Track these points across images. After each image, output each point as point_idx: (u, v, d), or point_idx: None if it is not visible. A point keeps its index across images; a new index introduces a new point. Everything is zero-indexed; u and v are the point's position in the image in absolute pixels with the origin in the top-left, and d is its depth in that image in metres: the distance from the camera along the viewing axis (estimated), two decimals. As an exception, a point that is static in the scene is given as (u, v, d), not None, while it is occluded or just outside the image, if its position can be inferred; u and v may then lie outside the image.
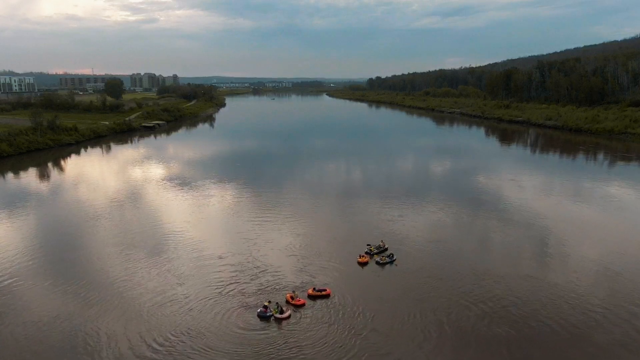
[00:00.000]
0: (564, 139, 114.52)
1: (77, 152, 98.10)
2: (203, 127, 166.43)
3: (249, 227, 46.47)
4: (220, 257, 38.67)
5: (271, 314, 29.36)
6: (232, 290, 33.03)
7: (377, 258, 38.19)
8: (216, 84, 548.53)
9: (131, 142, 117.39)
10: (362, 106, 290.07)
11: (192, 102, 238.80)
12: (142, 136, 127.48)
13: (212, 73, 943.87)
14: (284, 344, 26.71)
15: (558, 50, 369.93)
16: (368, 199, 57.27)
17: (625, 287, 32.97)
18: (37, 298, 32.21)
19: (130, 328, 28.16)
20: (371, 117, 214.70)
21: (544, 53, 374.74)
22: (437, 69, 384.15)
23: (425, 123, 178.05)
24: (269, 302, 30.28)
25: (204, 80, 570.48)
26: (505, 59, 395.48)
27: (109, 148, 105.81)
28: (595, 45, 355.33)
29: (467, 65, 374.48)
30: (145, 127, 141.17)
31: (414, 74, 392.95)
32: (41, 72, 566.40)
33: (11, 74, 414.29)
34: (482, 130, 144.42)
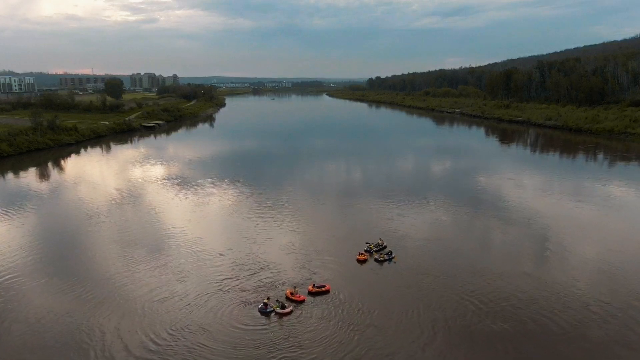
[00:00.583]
0: (564, 139, 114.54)
1: (77, 152, 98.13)
2: (203, 127, 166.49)
3: (249, 225, 46.65)
4: (221, 254, 38.95)
5: (272, 309, 29.60)
6: (232, 286, 33.24)
7: (376, 256, 38.42)
8: (216, 84, 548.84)
9: (131, 142, 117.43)
10: (362, 106, 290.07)
11: (192, 102, 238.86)
12: (142, 136, 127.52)
13: (212, 73, 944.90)
14: (284, 339, 26.88)
15: (558, 50, 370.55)
16: (367, 198, 57.34)
17: (623, 285, 33.02)
18: (37, 294, 32.36)
19: (130, 324, 28.27)
20: (371, 117, 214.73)
21: (544, 53, 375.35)
22: (437, 69, 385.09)
23: (425, 123, 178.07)
24: (269, 298, 30.55)
25: (204, 80, 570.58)
26: (505, 59, 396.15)
27: (109, 148, 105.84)
28: (595, 45, 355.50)
29: (467, 65, 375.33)
30: (145, 127, 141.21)
31: (414, 74, 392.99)
32: (41, 72, 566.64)
33: (11, 74, 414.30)
34: (482, 130, 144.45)
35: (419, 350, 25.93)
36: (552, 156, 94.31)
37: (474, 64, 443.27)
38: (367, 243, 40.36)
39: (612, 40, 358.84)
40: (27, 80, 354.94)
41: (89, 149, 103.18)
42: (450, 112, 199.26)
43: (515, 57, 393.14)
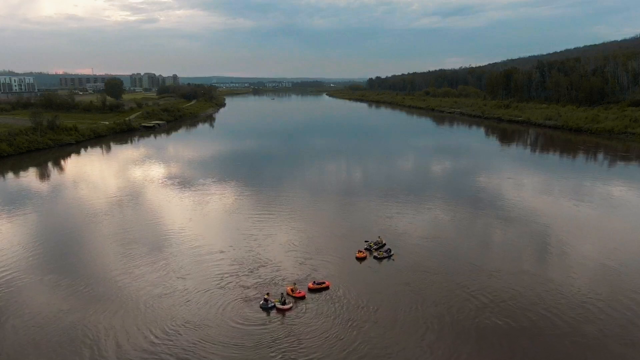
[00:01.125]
0: (564, 139, 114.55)
1: (77, 152, 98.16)
2: (203, 127, 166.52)
3: (249, 223, 46.94)
4: (221, 251, 39.33)
5: (273, 304, 29.92)
6: (232, 283, 33.60)
7: (375, 253, 38.78)
8: (216, 84, 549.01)
9: (131, 142, 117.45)
10: (362, 106, 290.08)
11: (192, 102, 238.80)
12: (142, 136, 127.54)
13: (212, 73, 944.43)
14: (285, 335, 27.16)
15: (558, 50, 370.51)
16: (367, 197, 57.44)
17: (621, 283, 33.12)
18: (39, 291, 32.58)
19: (130, 320, 28.48)
20: (371, 117, 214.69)
21: (544, 53, 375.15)
22: (437, 69, 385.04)
23: (425, 123, 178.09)
24: (268, 294, 30.98)
25: (204, 80, 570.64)
26: (505, 59, 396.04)
27: (109, 148, 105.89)
28: (595, 45, 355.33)
29: (467, 65, 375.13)
30: (145, 127, 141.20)
31: (414, 74, 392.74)
32: (41, 72, 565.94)
33: (11, 74, 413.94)
34: (482, 130, 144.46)
35: (417, 345, 26.24)
36: (552, 156, 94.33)
37: (474, 64, 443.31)
38: (366, 241, 40.67)
39: (612, 40, 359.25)
40: (27, 80, 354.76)
41: (89, 148, 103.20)
42: (450, 112, 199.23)
43: (515, 57, 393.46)
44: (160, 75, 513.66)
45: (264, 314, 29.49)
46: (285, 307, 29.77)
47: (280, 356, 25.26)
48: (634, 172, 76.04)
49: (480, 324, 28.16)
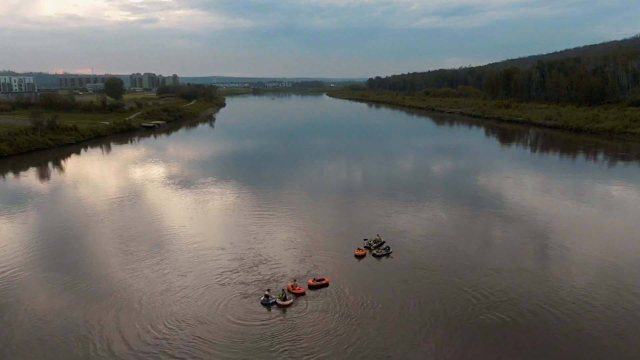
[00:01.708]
0: (564, 139, 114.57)
1: (77, 152, 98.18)
2: (203, 127, 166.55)
3: (250, 222, 47.21)
4: (222, 249, 39.68)
5: (274, 300, 30.29)
6: (233, 279, 33.98)
7: (374, 251, 39.07)
8: (216, 84, 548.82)
9: (131, 142, 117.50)
10: (362, 106, 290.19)
11: (192, 102, 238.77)
12: (142, 136, 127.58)
13: (212, 73, 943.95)
14: (285, 331, 27.44)
15: (558, 50, 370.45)
16: (366, 196, 57.58)
17: (619, 281, 33.16)
18: (39, 289, 32.79)
19: (131, 317, 28.66)
20: (371, 117, 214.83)
21: (544, 53, 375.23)
22: (437, 69, 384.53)
23: (425, 123, 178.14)
24: (269, 290, 31.36)
25: (204, 80, 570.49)
26: (505, 59, 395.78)
27: (109, 148, 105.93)
28: (595, 45, 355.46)
29: (467, 65, 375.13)
30: (145, 127, 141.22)
31: (414, 74, 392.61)
32: (41, 72, 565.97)
33: (11, 74, 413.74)
34: (482, 130, 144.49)
35: (416, 341, 26.49)
36: (552, 156, 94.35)
37: (474, 64, 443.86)
38: (365, 239, 41.00)
39: (612, 40, 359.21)
40: (27, 80, 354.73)
41: (89, 148, 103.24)
42: (450, 112, 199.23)
43: (515, 57, 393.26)
44: (160, 75, 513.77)
45: (264, 310, 29.81)
46: (286, 303, 30.18)
47: (280, 351, 25.46)
48: (633, 172, 76.06)
49: (480, 321, 28.37)
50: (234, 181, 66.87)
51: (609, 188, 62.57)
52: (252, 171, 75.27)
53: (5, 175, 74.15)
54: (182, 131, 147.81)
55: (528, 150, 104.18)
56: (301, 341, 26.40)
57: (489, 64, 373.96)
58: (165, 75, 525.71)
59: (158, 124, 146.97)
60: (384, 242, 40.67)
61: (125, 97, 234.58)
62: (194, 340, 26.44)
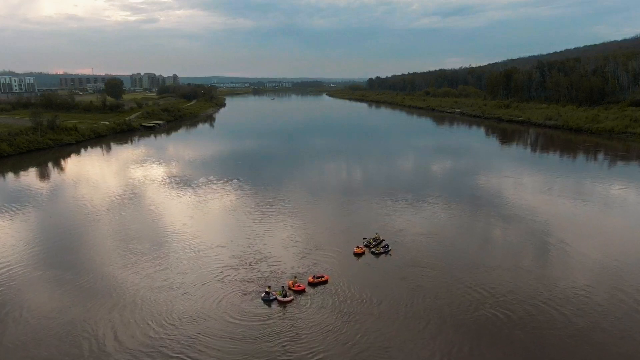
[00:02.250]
0: (564, 139, 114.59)
1: (78, 152, 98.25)
2: (203, 127, 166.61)
3: (250, 220, 47.42)
4: (222, 247, 39.88)
5: (274, 297, 30.55)
6: (233, 276, 34.23)
7: (372, 249, 39.29)
8: (216, 84, 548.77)
9: (131, 142, 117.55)
10: (362, 106, 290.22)
11: (192, 102, 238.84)
12: (142, 136, 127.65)
13: (212, 73, 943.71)
14: (286, 328, 27.64)
15: (558, 50, 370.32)
16: (366, 195, 57.70)
17: (618, 279, 33.25)
18: (40, 286, 32.93)
19: (131, 314, 28.80)
20: (371, 117, 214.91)
21: (544, 53, 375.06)
22: (437, 69, 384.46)
23: (425, 123, 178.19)
24: (269, 287, 31.64)
25: (204, 80, 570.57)
26: (505, 59, 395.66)
27: (109, 148, 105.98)
28: (595, 45, 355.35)
29: (467, 65, 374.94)
30: (145, 127, 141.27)
31: (414, 74, 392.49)
32: (41, 72, 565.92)
33: (11, 74, 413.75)
34: (482, 130, 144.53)
35: (413, 337, 26.74)
36: (552, 156, 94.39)
37: (474, 64, 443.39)
38: (364, 238, 41.19)
39: (612, 40, 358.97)
40: (27, 80, 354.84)
41: (89, 148, 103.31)
42: (450, 112, 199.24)
43: (515, 57, 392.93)
44: (160, 75, 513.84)
45: (265, 306, 30.07)
46: (286, 299, 30.47)
47: (281, 347, 25.68)
48: (633, 172, 76.08)
49: (478, 317, 28.59)
50: (234, 181, 66.94)
51: (608, 188, 62.58)
52: (252, 171, 75.35)
53: (6, 175, 74.19)
54: (182, 131, 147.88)
55: (528, 150, 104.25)
56: (301, 337, 26.58)
57: (489, 64, 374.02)
58: (165, 75, 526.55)
59: (158, 124, 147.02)
60: (382, 240, 40.84)
61: (126, 97, 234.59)
62: (195, 337, 26.62)
